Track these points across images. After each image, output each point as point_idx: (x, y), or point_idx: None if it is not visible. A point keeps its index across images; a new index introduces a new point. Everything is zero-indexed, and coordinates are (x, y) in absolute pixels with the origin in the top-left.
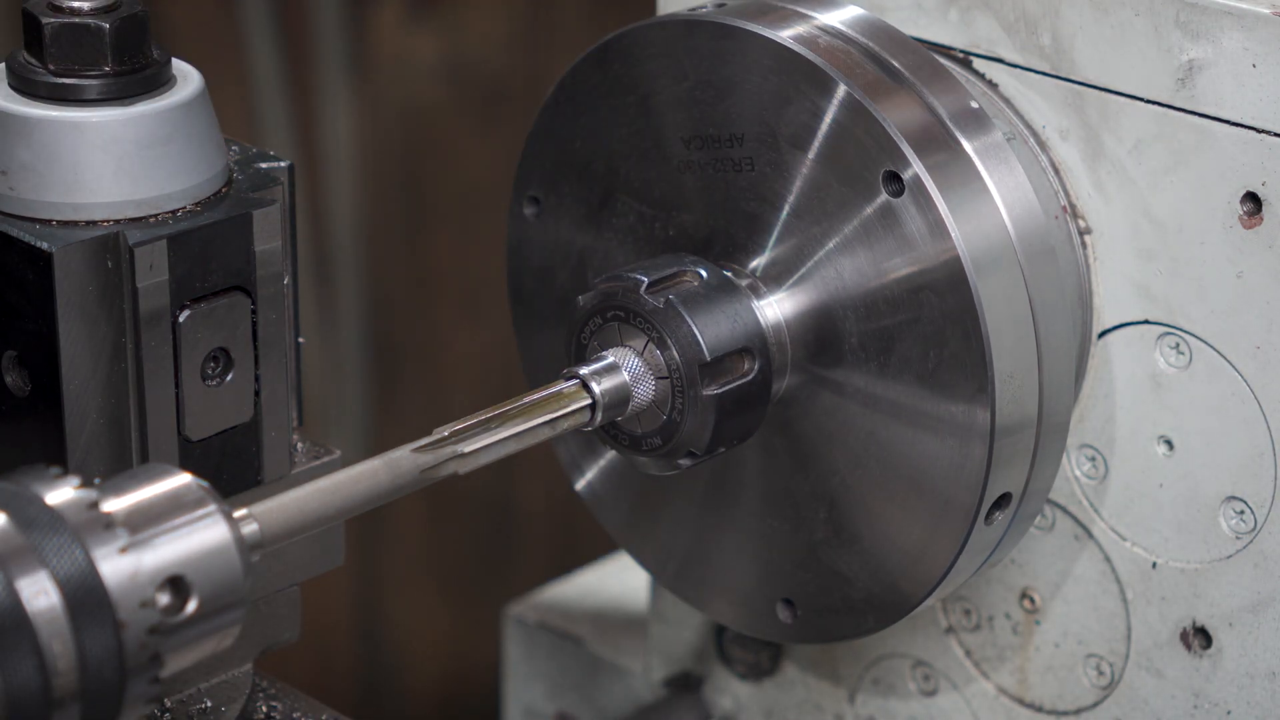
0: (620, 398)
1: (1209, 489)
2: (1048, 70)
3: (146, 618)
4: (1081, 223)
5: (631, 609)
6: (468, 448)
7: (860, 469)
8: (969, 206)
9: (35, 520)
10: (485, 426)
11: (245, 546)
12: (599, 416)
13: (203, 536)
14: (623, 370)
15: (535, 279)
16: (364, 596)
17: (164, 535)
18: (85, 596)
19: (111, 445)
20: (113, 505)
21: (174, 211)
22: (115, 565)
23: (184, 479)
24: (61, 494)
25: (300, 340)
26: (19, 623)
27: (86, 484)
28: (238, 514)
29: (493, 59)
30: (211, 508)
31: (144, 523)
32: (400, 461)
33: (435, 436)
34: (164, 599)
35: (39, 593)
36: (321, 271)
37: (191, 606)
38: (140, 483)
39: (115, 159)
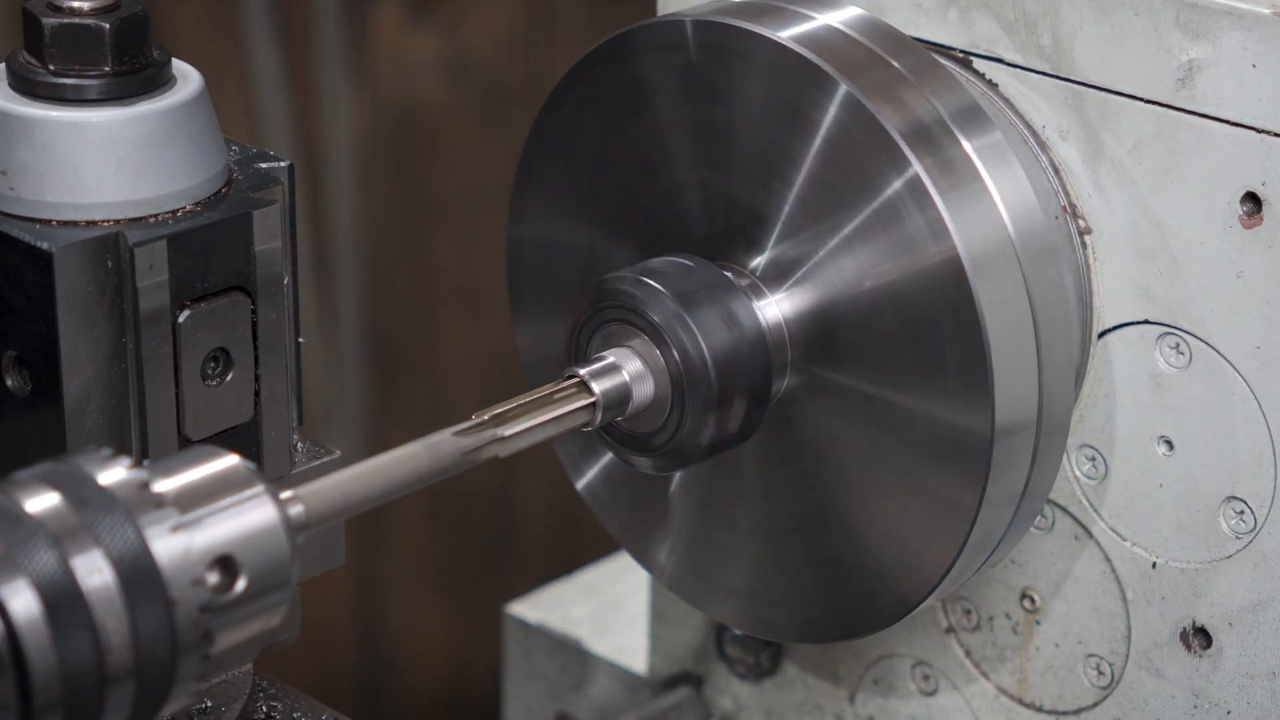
0: (620, 397)
1: (1209, 489)
2: (1047, 70)
3: (197, 596)
4: (1081, 223)
5: (631, 609)
6: (507, 431)
7: (860, 469)
8: (969, 206)
9: (88, 500)
10: (519, 412)
11: (292, 528)
12: (599, 416)
13: (251, 517)
14: (622, 370)
15: (535, 279)
16: (364, 596)
17: (213, 515)
18: (138, 575)
19: (111, 445)
20: (163, 485)
21: (174, 211)
22: (167, 544)
23: (231, 460)
24: (113, 474)
25: (300, 340)
26: (74, 600)
27: (137, 464)
28: (284, 495)
29: (493, 59)
30: (259, 488)
31: (194, 503)
32: (441, 445)
33: (475, 420)
34: (214, 578)
35: (93, 570)
36: (321, 271)
37: (240, 586)
38: (189, 463)
39: (115, 159)
